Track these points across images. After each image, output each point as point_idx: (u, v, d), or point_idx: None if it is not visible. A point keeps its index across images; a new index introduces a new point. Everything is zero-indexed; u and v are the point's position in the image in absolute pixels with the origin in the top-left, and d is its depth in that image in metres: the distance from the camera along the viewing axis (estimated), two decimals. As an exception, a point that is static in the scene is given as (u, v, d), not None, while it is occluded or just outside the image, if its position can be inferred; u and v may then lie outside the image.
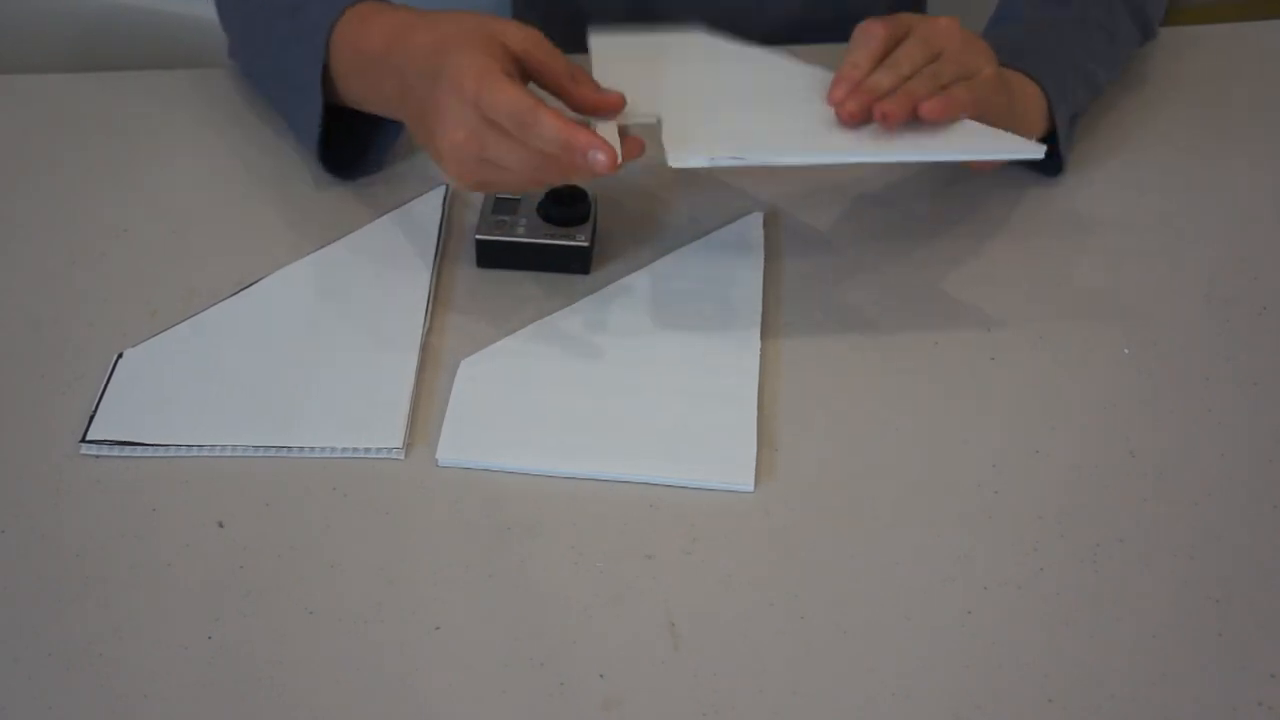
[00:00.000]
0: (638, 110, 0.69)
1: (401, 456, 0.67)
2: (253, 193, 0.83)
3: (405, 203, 0.81)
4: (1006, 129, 0.70)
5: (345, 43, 0.76)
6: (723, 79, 0.74)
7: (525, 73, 0.70)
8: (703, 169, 0.65)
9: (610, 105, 0.68)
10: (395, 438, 0.67)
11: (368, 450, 0.67)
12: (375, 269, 0.77)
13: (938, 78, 0.69)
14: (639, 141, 0.68)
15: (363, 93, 0.77)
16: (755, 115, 0.70)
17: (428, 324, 0.73)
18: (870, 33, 0.71)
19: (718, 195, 0.80)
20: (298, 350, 0.72)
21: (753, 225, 0.79)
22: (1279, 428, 0.68)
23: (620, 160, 0.64)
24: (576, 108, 0.70)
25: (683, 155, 0.64)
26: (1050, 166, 0.80)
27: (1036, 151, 0.66)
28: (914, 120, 0.66)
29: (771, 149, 0.65)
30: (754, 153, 0.64)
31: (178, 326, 0.74)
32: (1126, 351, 0.72)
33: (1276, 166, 0.84)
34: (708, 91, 0.72)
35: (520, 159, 0.66)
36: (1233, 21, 0.95)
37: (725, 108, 0.71)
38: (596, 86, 0.68)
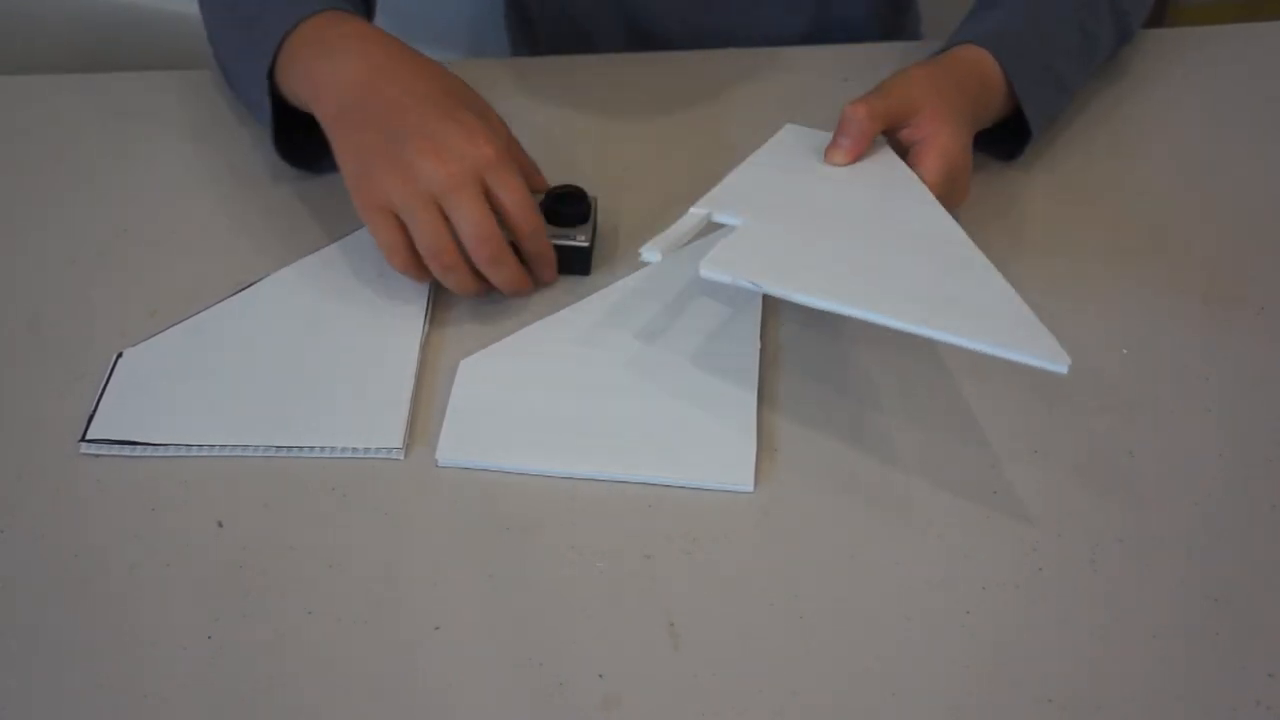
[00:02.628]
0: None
1: (401, 456, 0.67)
2: (253, 193, 0.83)
3: (405, 203, 0.81)
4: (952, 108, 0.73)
5: (299, 47, 0.75)
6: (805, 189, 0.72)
7: None
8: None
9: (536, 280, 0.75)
10: (395, 438, 0.67)
11: (368, 450, 0.67)
12: (375, 269, 0.77)
13: None
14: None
15: (303, 92, 0.75)
16: (803, 239, 0.68)
17: (428, 324, 0.73)
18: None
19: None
20: (298, 350, 0.72)
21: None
22: (1279, 428, 0.68)
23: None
24: (516, 290, 0.75)
25: (715, 270, 0.64)
26: (1006, 149, 0.82)
27: (1058, 364, 0.61)
28: (946, 296, 0.64)
29: (793, 287, 0.64)
30: (775, 287, 0.64)
31: (178, 326, 0.74)
32: (1126, 351, 0.72)
33: (1276, 166, 0.84)
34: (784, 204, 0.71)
35: (446, 268, 0.71)
36: (1233, 21, 0.95)
37: (783, 221, 0.70)
38: (540, 180, 0.75)
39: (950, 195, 0.72)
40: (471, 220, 0.68)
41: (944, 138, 0.72)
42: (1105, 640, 0.59)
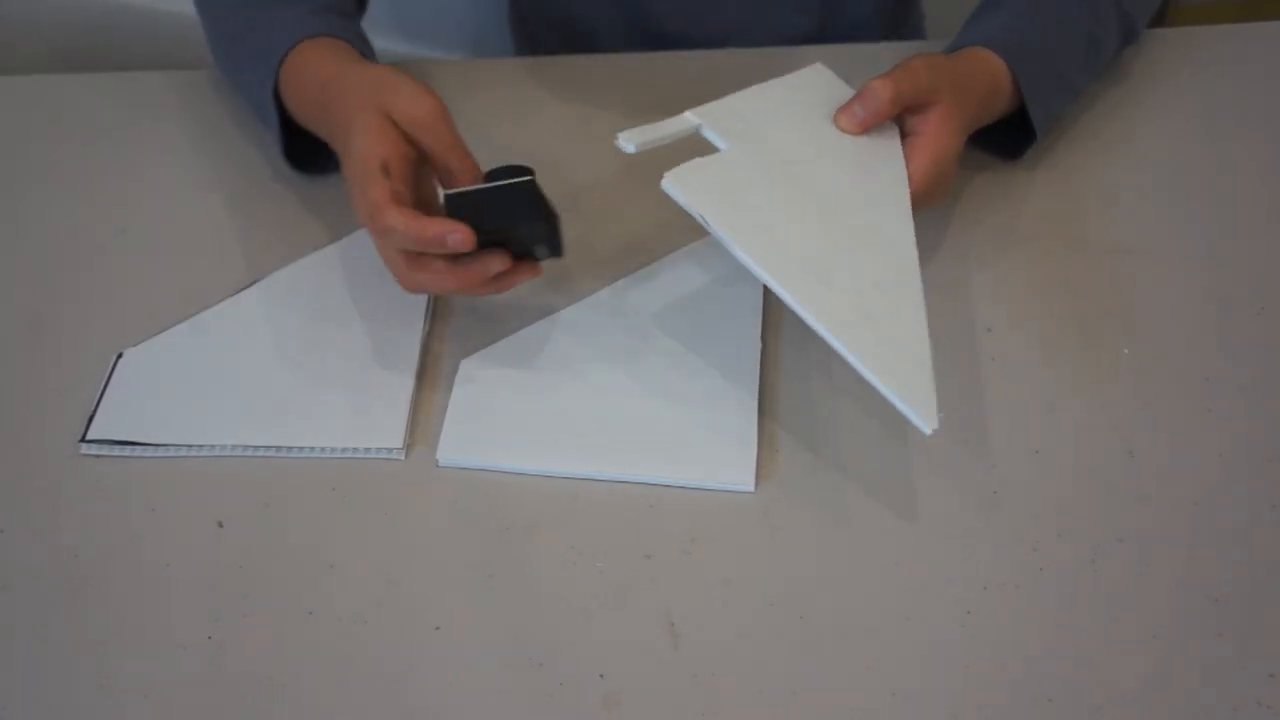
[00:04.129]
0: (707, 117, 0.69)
1: (401, 457, 0.67)
2: (253, 193, 0.83)
3: (405, 203, 0.81)
4: (962, 104, 0.73)
5: (291, 81, 0.76)
6: (807, 170, 0.71)
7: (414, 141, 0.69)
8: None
9: (459, 240, 0.64)
10: (395, 438, 0.67)
11: (368, 450, 0.67)
12: (375, 269, 0.76)
13: None
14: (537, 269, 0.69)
15: (302, 115, 0.77)
16: (770, 193, 0.67)
17: (428, 324, 0.73)
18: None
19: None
20: (298, 350, 0.72)
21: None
22: (1279, 428, 0.68)
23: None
24: (446, 181, 0.69)
25: (675, 187, 0.64)
26: (1007, 149, 0.82)
27: (927, 424, 0.60)
28: (866, 311, 0.63)
29: (734, 238, 0.63)
30: (720, 228, 0.63)
31: (178, 326, 0.74)
32: (1126, 352, 0.72)
33: (1276, 166, 0.83)
34: (780, 158, 0.70)
35: (397, 264, 0.66)
36: (1233, 21, 0.95)
37: (771, 178, 0.68)
38: (442, 224, 0.64)
39: (929, 196, 0.73)
40: (383, 253, 0.67)
41: (943, 140, 0.72)
42: (1105, 640, 0.59)
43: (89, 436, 0.68)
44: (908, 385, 0.61)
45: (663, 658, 0.59)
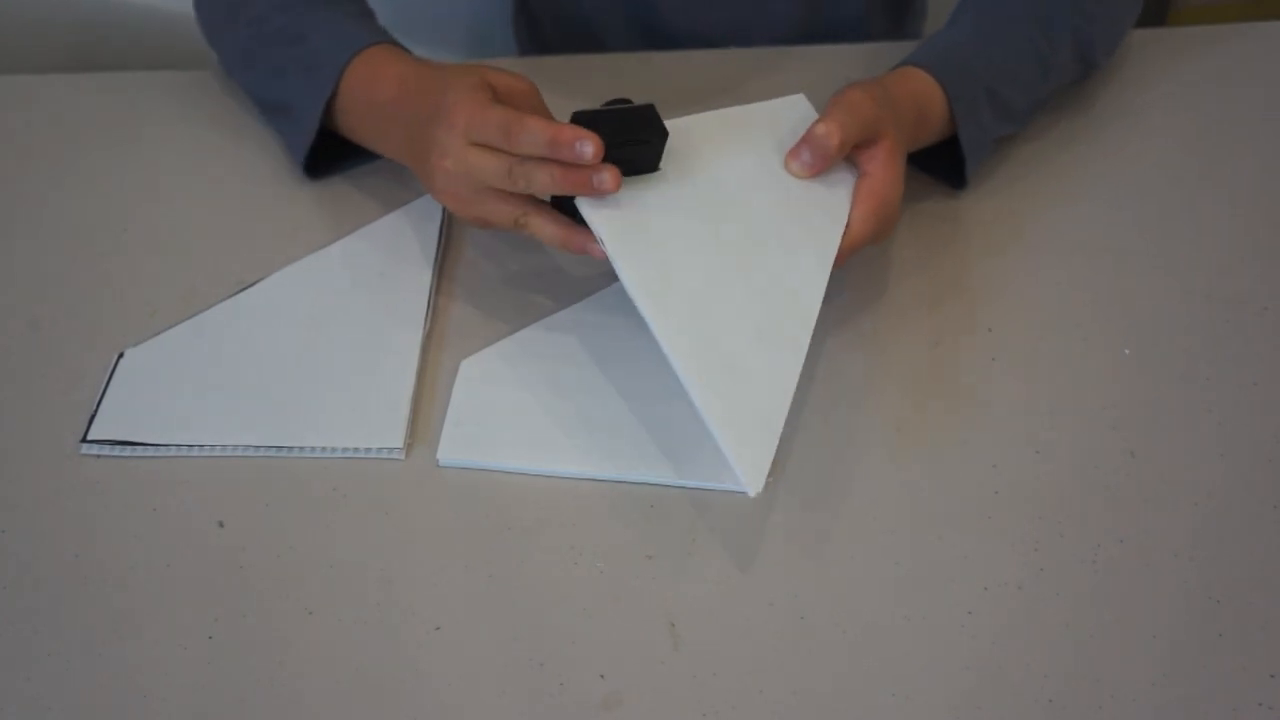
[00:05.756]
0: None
1: (402, 456, 0.67)
2: (253, 192, 0.83)
3: (406, 203, 0.81)
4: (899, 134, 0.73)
5: (356, 86, 0.77)
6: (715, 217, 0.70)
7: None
8: None
9: (590, 151, 0.66)
10: (396, 438, 0.67)
11: (368, 450, 0.67)
12: (375, 269, 0.77)
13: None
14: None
15: (369, 136, 0.79)
16: (687, 243, 0.68)
17: (428, 324, 0.73)
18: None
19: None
20: (298, 350, 0.72)
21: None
22: (1279, 428, 0.68)
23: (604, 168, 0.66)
24: (556, 149, 0.69)
25: (586, 205, 0.67)
26: (956, 178, 0.81)
27: (751, 486, 0.61)
28: (731, 355, 0.64)
29: (627, 267, 0.66)
30: (612, 249, 0.66)
31: (178, 326, 0.74)
32: (1126, 352, 0.72)
33: (1276, 166, 0.83)
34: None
35: (506, 170, 0.67)
36: (1233, 21, 0.95)
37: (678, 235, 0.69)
38: (576, 130, 0.67)
39: (878, 236, 0.72)
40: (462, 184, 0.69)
41: (890, 177, 0.71)
42: (1105, 640, 0.59)
43: (90, 436, 0.68)
44: (745, 441, 0.61)
45: (663, 658, 0.59)
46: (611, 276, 0.76)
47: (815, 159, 0.71)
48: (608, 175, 0.66)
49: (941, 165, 0.81)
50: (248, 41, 0.83)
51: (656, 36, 1.01)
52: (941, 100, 0.76)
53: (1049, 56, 0.81)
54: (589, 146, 0.64)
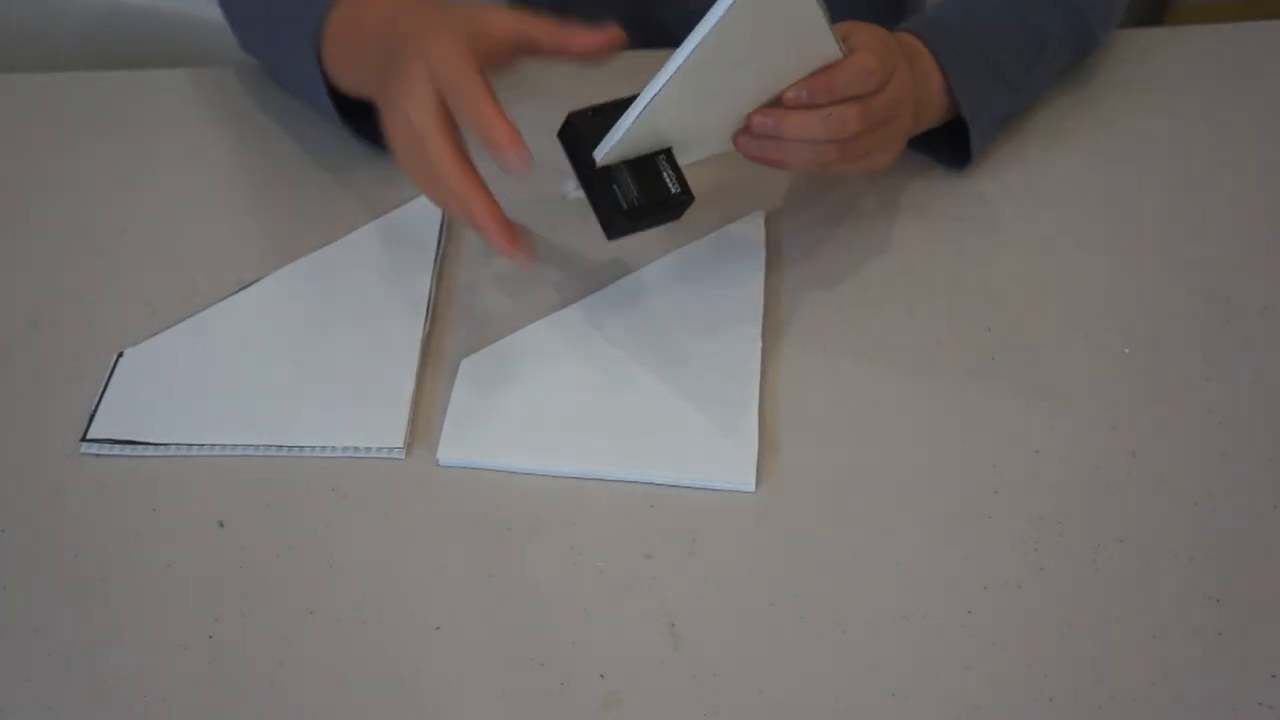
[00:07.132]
0: None
1: (402, 456, 0.67)
2: (253, 192, 0.83)
3: (406, 202, 0.81)
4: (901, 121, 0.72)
5: (343, 19, 0.76)
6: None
7: (521, 50, 0.71)
8: None
9: (610, 38, 0.68)
10: (396, 437, 0.67)
11: (368, 450, 0.67)
12: (375, 269, 0.76)
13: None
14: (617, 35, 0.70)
15: (346, 64, 0.76)
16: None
17: (428, 324, 0.73)
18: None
19: (720, 195, 0.80)
20: (298, 350, 0.72)
21: (754, 225, 0.79)
22: (1279, 428, 0.68)
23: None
24: (580, 55, 0.70)
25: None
26: (957, 159, 0.81)
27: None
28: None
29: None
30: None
31: (178, 326, 0.74)
32: (1126, 351, 0.72)
33: (1276, 166, 0.83)
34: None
35: (433, 189, 0.67)
36: (1233, 21, 0.95)
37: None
38: (590, 31, 0.67)
39: (882, 75, 0.68)
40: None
41: (872, 34, 0.69)
42: (1105, 640, 0.59)
43: (89, 436, 0.68)
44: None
45: (663, 658, 0.59)
46: (612, 277, 0.76)
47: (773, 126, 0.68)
48: (513, 158, 0.63)
49: (946, 147, 0.80)
50: (250, 6, 0.84)
51: (656, 36, 1.01)
52: (931, 61, 0.76)
53: (1044, 25, 0.81)
54: (511, 164, 0.64)
